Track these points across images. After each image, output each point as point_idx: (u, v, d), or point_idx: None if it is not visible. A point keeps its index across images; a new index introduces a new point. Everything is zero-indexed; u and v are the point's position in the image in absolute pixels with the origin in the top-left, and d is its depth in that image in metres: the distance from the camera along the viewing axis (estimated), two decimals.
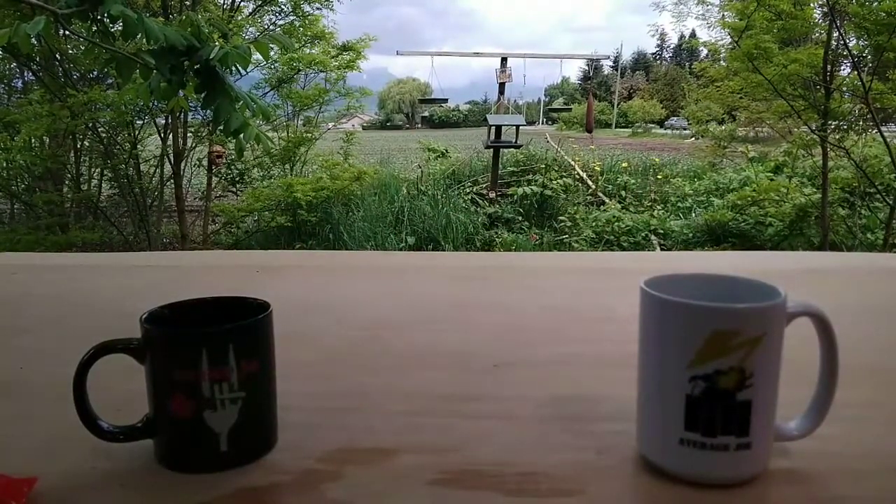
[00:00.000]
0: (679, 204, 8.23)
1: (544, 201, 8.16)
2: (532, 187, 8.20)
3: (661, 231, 7.23)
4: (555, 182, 8.40)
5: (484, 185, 8.75)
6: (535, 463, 0.54)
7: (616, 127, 32.36)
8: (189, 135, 6.58)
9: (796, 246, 6.30)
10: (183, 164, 6.39)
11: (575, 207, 7.89)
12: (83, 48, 5.26)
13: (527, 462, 0.54)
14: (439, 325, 0.93)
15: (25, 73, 6.76)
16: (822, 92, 5.93)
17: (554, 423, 0.61)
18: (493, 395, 0.68)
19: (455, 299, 1.06)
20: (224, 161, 7.65)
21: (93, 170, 7.05)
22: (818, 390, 0.54)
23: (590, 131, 14.01)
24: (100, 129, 6.35)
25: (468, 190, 8.62)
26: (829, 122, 6.07)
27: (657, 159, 10.47)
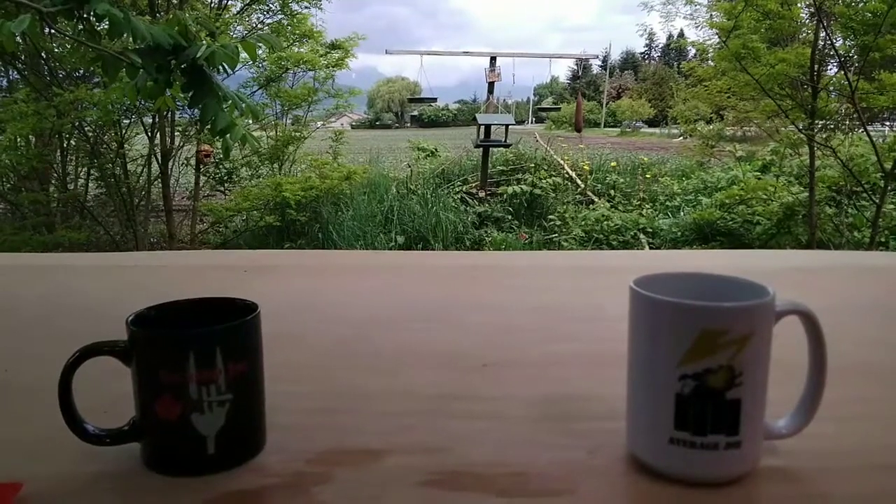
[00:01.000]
0: (667, 203, 8.27)
1: (534, 200, 8.17)
2: (521, 186, 8.21)
3: (650, 230, 7.25)
4: (544, 181, 8.41)
5: (473, 185, 8.75)
6: (525, 463, 0.54)
7: (605, 126, 32.46)
8: (176, 134, 6.53)
9: (784, 244, 6.34)
10: (170, 164, 6.35)
11: (564, 206, 7.91)
12: (69, 47, 5.23)
13: (517, 462, 0.54)
14: (429, 324, 0.93)
15: (10, 72, 6.69)
16: (809, 91, 5.97)
17: (544, 423, 0.61)
18: (484, 395, 0.68)
19: (445, 299, 1.06)
20: (212, 160, 7.61)
21: (79, 169, 6.98)
22: (807, 389, 0.54)
23: (579, 130, 14.06)
24: (86, 129, 6.29)
25: (458, 189, 8.61)
26: (816, 121, 6.11)
27: (646, 158, 10.51)
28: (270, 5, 7.16)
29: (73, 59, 5.61)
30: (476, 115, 9.33)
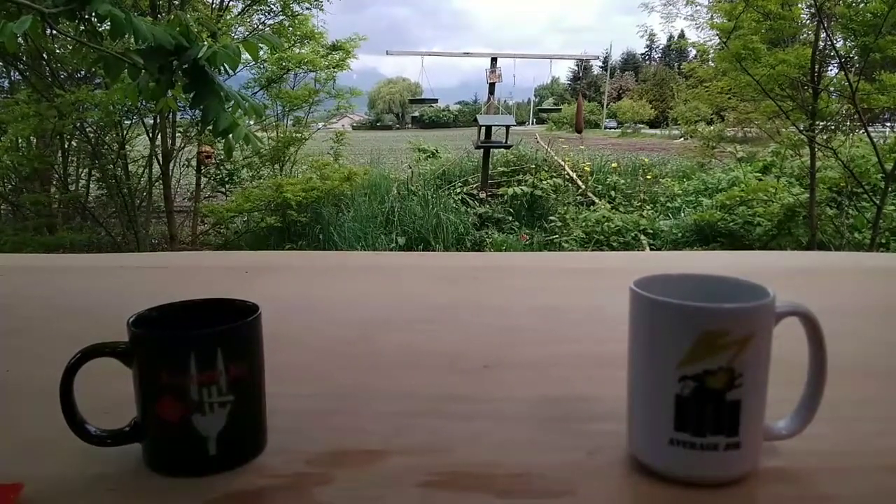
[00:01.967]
0: (668, 204, 8.27)
1: (534, 201, 8.17)
2: (522, 187, 8.21)
3: (651, 231, 7.25)
4: (545, 182, 8.41)
5: (474, 186, 8.75)
6: (525, 464, 0.54)
7: (605, 127, 32.46)
8: (178, 135, 6.54)
9: (784, 245, 6.34)
10: (172, 165, 6.36)
11: (565, 207, 7.91)
12: (70, 48, 5.22)
13: (517, 463, 0.54)
14: (430, 325, 0.93)
15: (12, 73, 6.70)
16: (809, 92, 5.97)
17: (544, 424, 0.61)
18: (484, 396, 0.68)
19: (445, 300, 1.06)
20: (213, 161, 7.61)
21: (80, 170, 6.99)
22: (807, 390, 0.54)
23: (579, 131, 14.06)
24: (87, 130, 6.30)
25: (458, 190, 8.62)
26: (817, 122, 6.11)
27: (646, 159, 10.50)
28: (272, 6, 7.18)
29: (74, 60, 5.61)
30: (477, 116, 9.34)
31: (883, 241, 5.90)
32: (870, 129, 6.06)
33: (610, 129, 31.59)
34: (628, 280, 0.53)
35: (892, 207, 6.18)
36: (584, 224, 7.28)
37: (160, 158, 6.19)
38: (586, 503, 0.49)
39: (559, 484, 0.51)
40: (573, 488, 0.51)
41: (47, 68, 6.22)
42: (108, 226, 6.69)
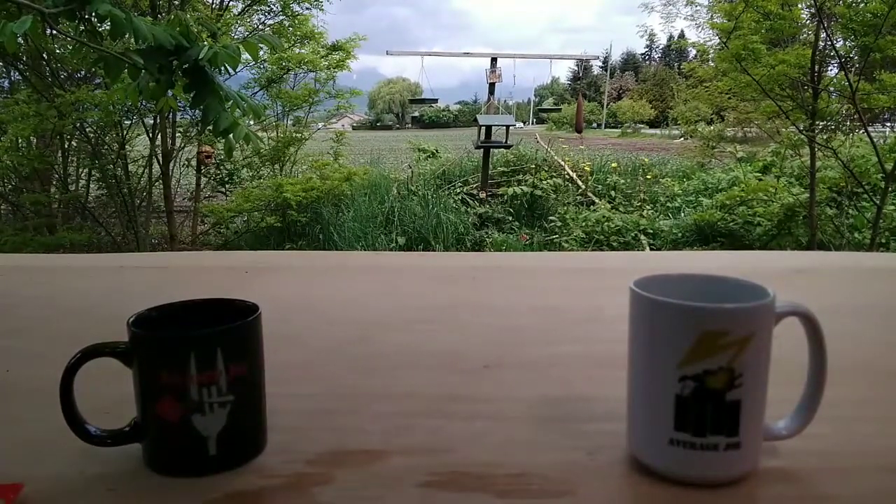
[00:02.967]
0: (668, 204, 8.26)
1: (534, 201, 8.17)
2: (522, 187, 8.21)
3: (651, 231, 7.25)
4: (545, 182, 8.41)
5: (474, 186, 8.75)
6: (525, 464, 0.54)
7: (605, 127, 32.46)
8: (178, 135, 6.54)
9: (784, 245, 6.34)
10: (171, 165, 6.35)
11: (565, 207, 7.90)
12: (70, 48, 5.22)
13: (517, 463, 0.54)
14: (429, 325, 0.93)
15: (12, 73, 6.69)
16: (809, 92, 5.97)
17: (544, 424, 0.61)
18: (484, 396, 0.68)
19: (445, 300, 1.06)
20: (213, 161, 7.61)
21: (80, 170, 6.99)
22: (807, 390, 0.54)
23: (579, 131, 14.06)
24: (87, 130, 6.30)
25: (458, 190, 8.61)
26: (817, 122, 6.11)
27: (646, 159, 10.50)
28: (272, 6, 7.17)
29: (74, 60, 5.61)
30: (477, 116, 9.33)
31: (883, 241, 5.90)
32: (870, 129, 6.06)
33: (602, 128, 31.60)
34: (628, 280, 0.53)
35: (892, 207, 6.18)
36: (584, 224, 7.27)
37: (160, 158, 6.19)
38: (586, 503, 0.49)
39: (559, 484, 0.51)
40: (573, 488, 0.51)
41: (47, 68, 6.21)
42: (108, 226, 6.69)
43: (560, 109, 24.85)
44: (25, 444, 0.58)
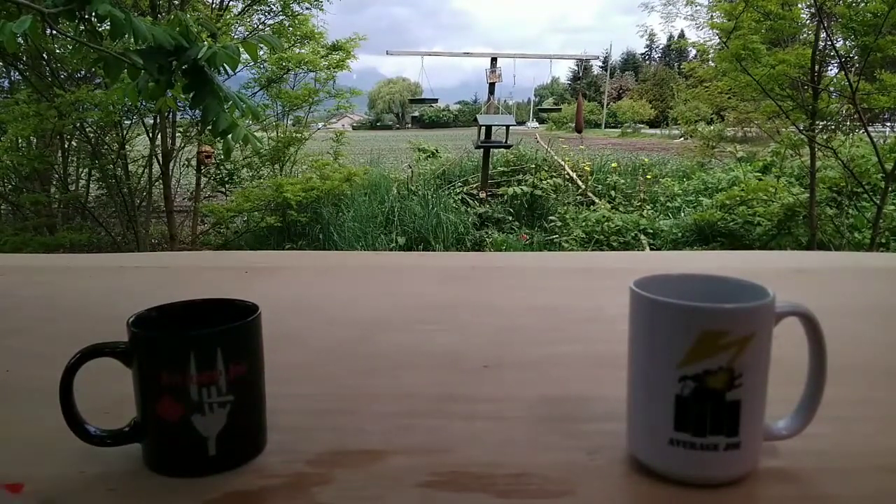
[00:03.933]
0: (668, 204, 8.26)
1: (534, 201, 8.17)
2: (522, 187, 8.21)
3: (651, 231, 7.25)
4: (545, 182, 8.41)
5: (474, 185, 8.75)
6: (525, 464, 0.54)
7: (605, 127, 32.47)
8: (178, 135, 6.54)
9: (784, 245, 6.34)
10: (171, 165, 6.35)
11: (565, 207, 7.90)
12: (70, 48, 5.23)
13: (517, 463, 0.54)
14: (429, 325, 0.93)
15: (12, 73, 6.69)
16: (809, 92, 5.97)
17: (544, 424, 0.61)
18: (484, 396, 0.68)
19: (445, 300, 1.06)
20: (213, 161, 7.61)
21: (80, 170, 6.99)
22: (807, 390, 0.54)
23: (579, 131, 14.05)
24: (87, 130, 6.30)
25: (458, 190, 8.61)
26: (817, 122, 6.11)
27: (646, 159, 10.50)
28: (272, 6, 7.17)
29: (74, 60, 5.62)
30: (477, 115, 9.32)
31: (883, 240, 5.89)
32: (870, 128, 6.06)
33: (602, 128, 31.62)
34: (628, 280, 0.53)
35: (892, 207, 6.18)
36: (584, 224, 7.27)
37: (160, 158, 6.19)
38: (586, 503, 0.49)
39: (559, 484, 0.51)
40: (573, 488, 0.51)
41: (47, 68, 6.21)
42: (108, 226, 6.69)
43: (560, 109, 24.82)
44: (25, 443, 0.58)
